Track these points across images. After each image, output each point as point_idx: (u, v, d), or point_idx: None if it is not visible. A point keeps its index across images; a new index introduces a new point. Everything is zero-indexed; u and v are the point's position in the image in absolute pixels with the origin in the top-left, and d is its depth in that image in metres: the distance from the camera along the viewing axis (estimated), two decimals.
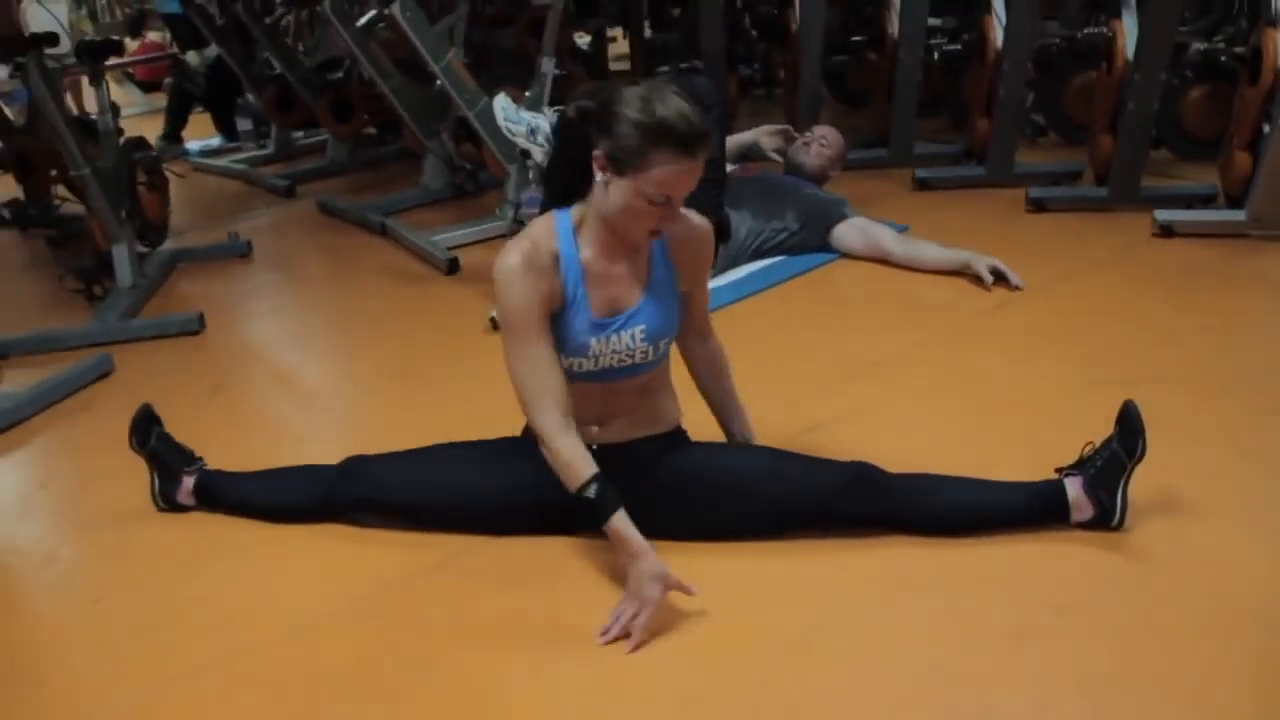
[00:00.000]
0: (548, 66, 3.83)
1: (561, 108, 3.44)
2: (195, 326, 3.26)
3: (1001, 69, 3.92)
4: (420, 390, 2.75)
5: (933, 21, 4.85)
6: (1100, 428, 1.88)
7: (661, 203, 1.64)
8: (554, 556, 1.89)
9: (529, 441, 1.81)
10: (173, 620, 1.82)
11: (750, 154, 3.83)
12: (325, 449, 2.11)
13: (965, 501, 1.87)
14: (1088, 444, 1.88)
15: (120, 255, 3.53)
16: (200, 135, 6.55)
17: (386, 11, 3.55)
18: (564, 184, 1.78)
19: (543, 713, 1.55)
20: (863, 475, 1.85)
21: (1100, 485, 1.83)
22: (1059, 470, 1.89)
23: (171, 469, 2.12)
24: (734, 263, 3.31)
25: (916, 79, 4.33)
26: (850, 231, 3.37)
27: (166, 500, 2.12)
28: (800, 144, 3.61)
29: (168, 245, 4.02)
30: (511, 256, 1.69)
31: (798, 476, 1.86)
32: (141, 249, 3.70)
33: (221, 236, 4.19)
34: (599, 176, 1.67)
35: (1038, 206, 3.77)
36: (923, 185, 4.16)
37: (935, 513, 1.86)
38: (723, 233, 3.28)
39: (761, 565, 1.83)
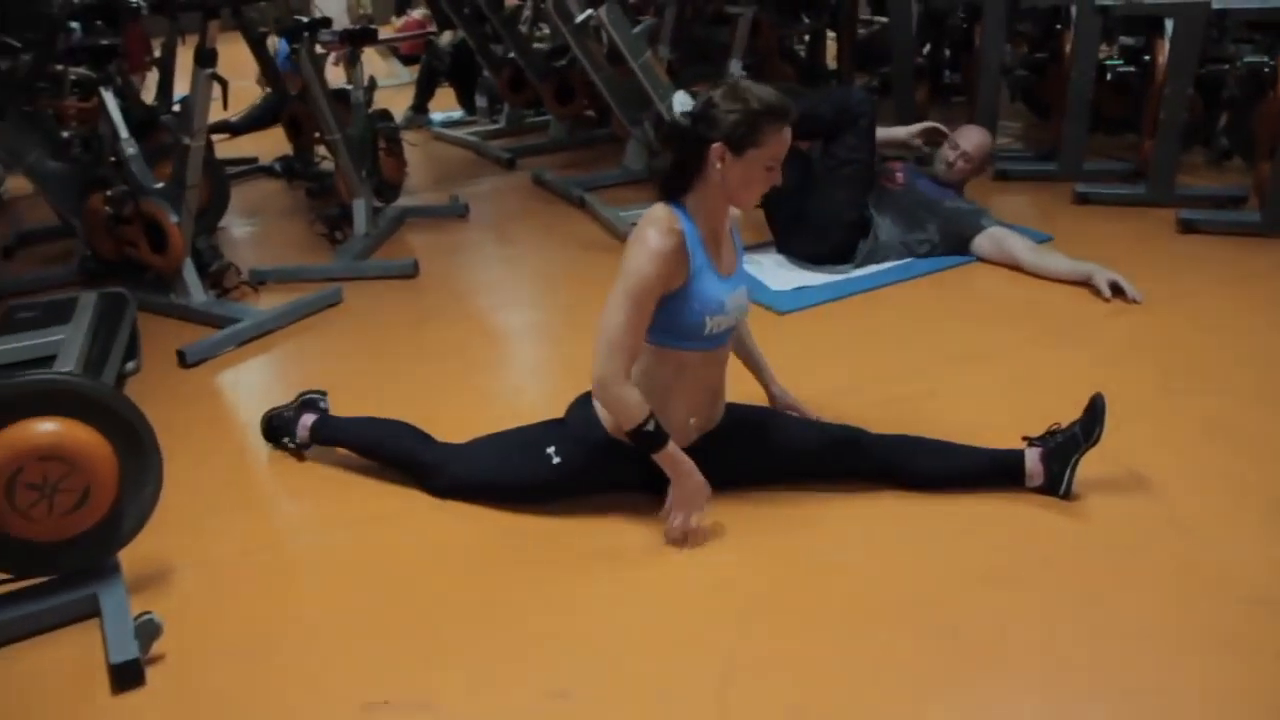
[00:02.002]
0: (735, 68, 4.26)
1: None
2: (411, 271, 3.90)
3: (1164, 92, 4.04)
4: (582, 338, 3.25)
5: (1125, 40, 4.94)
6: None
7: (772, 167, 2.03)
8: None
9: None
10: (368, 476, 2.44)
11: (892, 153, 3.97)
12: (501, 376, 2.62)
13: (939, 465, 2.22)
14: (1054, 424, 2.20)
15: (358, 208, 4.23)
16: (444, 108, 7.35)
17: (596, 13, 4.06)
18: (679, 183, 2.05)
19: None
20: (848, 441, 2.23)
21: (1055, 459, 2.15)
22: (1025, 439, 2.21)
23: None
24: (873, 259, 3.65)
25: (1087, 97, 4.46)
26: (987, 242, 3.63)
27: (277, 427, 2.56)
28: (947, 148, 3.82)
29: (399, 202, 4.71)
30: (663, 239, 1.96)
31: (798, 433, 2.27)
32: (377, 204, 4.39)
33: (446, 198, 4.86)
34: (716, 165, 1.98)
35: (1188, 228, 3.87)
36: (1083, 200, 4.30)
37: (913, 473, 2.22)
38: (864, 228, 3.64)
39: (785, 510, 2.22)
